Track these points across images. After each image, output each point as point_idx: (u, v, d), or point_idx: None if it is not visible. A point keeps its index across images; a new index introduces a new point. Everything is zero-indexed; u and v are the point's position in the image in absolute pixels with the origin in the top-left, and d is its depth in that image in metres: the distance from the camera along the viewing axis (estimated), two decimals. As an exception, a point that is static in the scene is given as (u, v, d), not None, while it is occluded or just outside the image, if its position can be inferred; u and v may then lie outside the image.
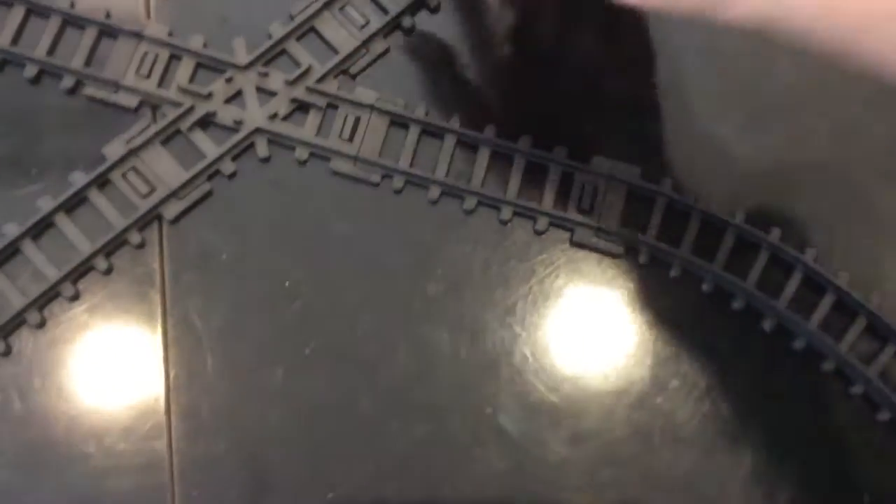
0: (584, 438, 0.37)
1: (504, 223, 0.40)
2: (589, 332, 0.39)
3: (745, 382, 0.39)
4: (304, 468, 0.36)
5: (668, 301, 0.40)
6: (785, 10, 0.31)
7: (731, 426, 0.38)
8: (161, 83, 0.40)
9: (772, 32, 0.31)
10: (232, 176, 0.39)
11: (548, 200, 0.40)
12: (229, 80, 0.40)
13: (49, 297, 0.37)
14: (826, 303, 0.39)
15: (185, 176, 0.39)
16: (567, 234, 0.40)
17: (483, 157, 0.40)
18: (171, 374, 0.37)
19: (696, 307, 0.40)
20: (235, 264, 0.38)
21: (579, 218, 0.40)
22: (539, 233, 0.40)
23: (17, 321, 0.37)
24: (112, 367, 0.37)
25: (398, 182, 0.40)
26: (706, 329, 0.39)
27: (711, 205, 0.40)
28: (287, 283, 0.38)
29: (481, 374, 0.38)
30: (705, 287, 0.40)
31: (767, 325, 0.39)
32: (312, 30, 0.41)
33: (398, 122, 0.40)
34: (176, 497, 0.35)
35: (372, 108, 0.40)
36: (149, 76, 0.40)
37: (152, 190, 0.38)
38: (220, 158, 0.39)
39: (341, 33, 0.41)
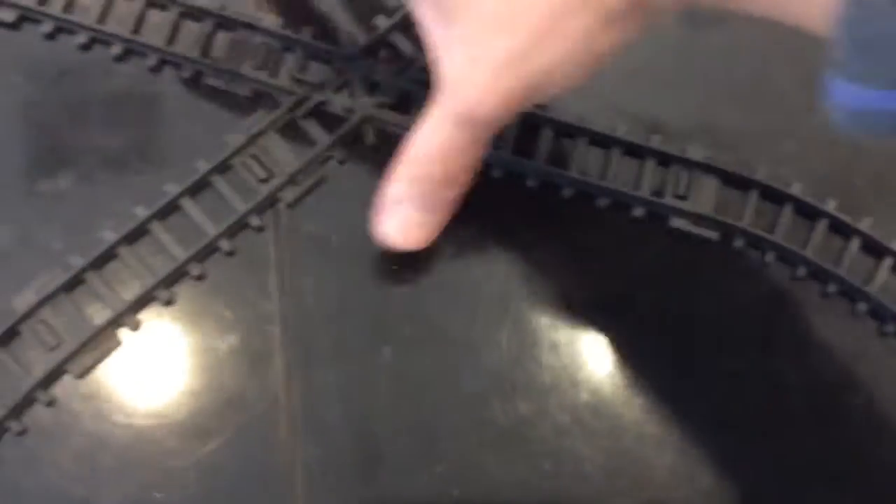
0: (677, 420, 0.39)
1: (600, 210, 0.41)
2: (681, 318, 0.41)
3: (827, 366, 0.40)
4: (412, 442, 0.38)
5: (761, 286, 0.41)
6: None
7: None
8: (275, 73, 0.42)
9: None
10: (342, 162, 0.41)
11: (644, 189, 0.41)
12: (339, 71, 0.42)
13: (177, 275, 0.39)
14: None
15: (300, 162, 0.41)
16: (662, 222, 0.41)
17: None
18: (289, 352, 0.39)
19: (789, 291, 0.41)
20: (345, 247, 0.40)
21: (675, 204, 0.41)
22: (635, 220, 0.41)
23: (147, 298, 0.39)
24: (234, 345, 0.39)
25: (497, 172, 0.42)
26: (799, 313, 0.40)
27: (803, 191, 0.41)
28: (393, 266, 0.40)
29: (579, 358, 0.39)
30: (799, 272, 0.41)
31: (861, 307, 0.40)
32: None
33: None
34: (298, 467, 0.37)
35: (473, 97, 0.42)
36: (263, 67, 0.42)
37: (270, 176, 0.40)
38: (331, 146, 0.41)
39: (445, 24, 0.43)
